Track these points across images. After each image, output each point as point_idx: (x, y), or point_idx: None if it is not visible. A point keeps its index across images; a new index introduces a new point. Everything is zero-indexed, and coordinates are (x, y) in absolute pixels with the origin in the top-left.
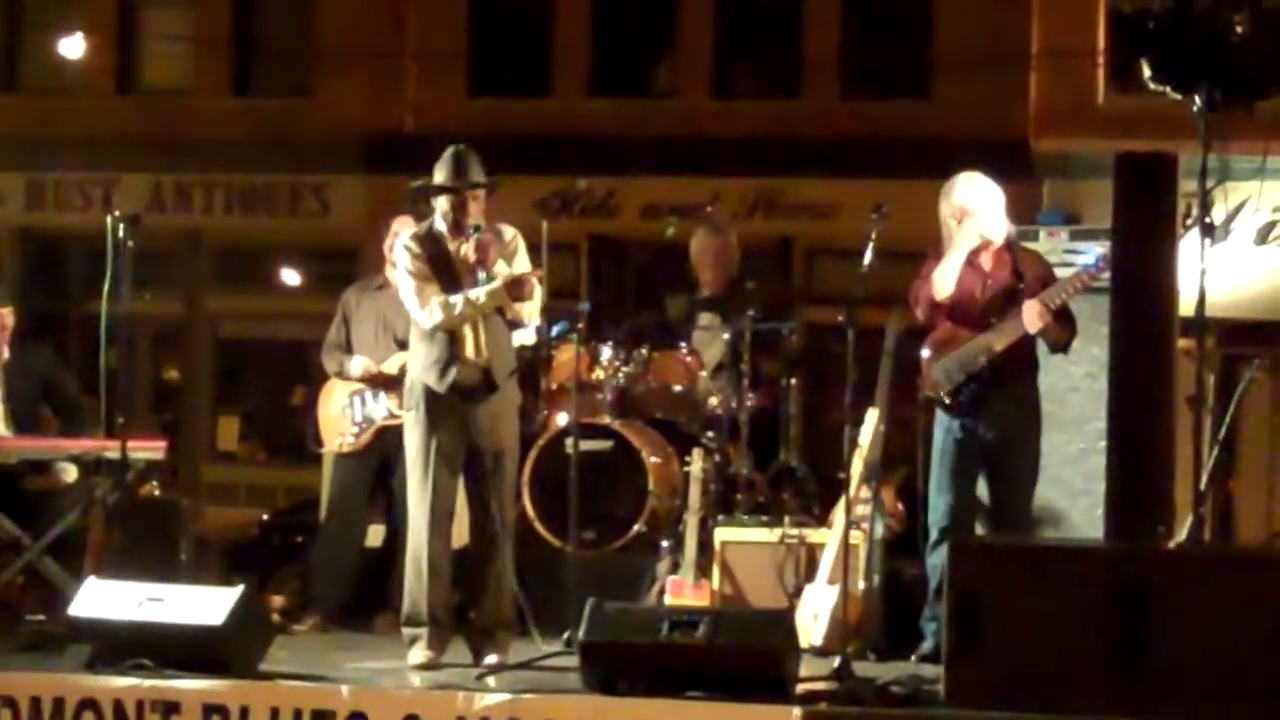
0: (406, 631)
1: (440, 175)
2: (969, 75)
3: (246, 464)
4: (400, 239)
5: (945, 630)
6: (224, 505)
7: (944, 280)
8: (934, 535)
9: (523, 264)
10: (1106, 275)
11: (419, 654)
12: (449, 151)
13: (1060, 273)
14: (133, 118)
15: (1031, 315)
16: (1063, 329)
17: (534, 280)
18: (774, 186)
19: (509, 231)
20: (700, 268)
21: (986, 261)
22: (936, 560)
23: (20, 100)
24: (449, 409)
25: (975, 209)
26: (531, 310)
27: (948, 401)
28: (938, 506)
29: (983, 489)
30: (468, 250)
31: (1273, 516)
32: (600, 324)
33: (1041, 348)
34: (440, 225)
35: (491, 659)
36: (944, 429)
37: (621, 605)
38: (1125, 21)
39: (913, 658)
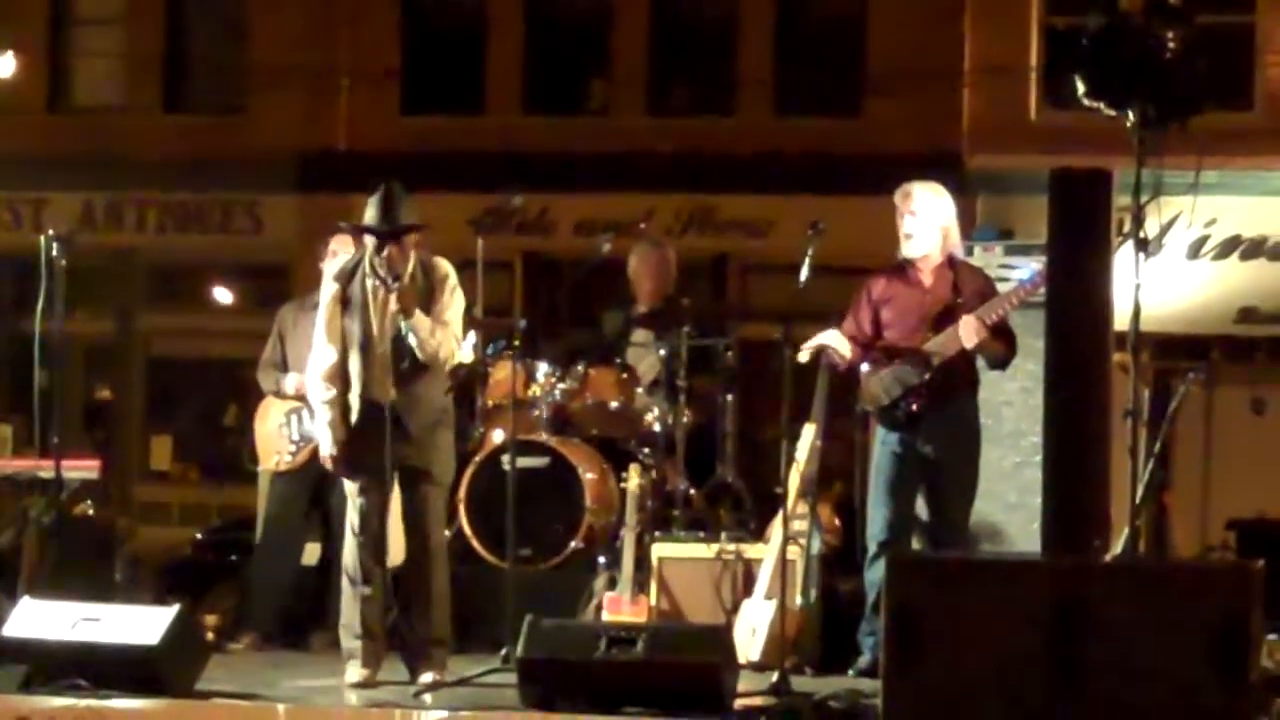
0: (343, 649)
1: (368, 215)
2: (902, 92)
3: (179, 483)
4: (327, 271)
5: (883, 644)
6: (157, 524)
7: (849, 351)
8: (872, 549)
9: (448, 304)
10: (1043, 290)
11: (355, 672)
12: (379, 191)
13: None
14: (64, 136)
15: (968, 330)
16: (1001, 345)
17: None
18: (708, 203)
19: (442, 267)
20: (638, 283)
21: (926, 277)
22: (875, 575)
23: None
24: (378, 428)
25: (911, 201)
26: (430, 348)
27: (885, 415)
28: (875, 521)
29: (922, 505)
30: (390, 299)
31: (1207, 530)
32: (536, 341)
33: (981, 364)
34: (369, 259)
35: (428, 676)
36: (882, 443)
37: (559, 622)
38: (1059, 38)
39: (850, 672)
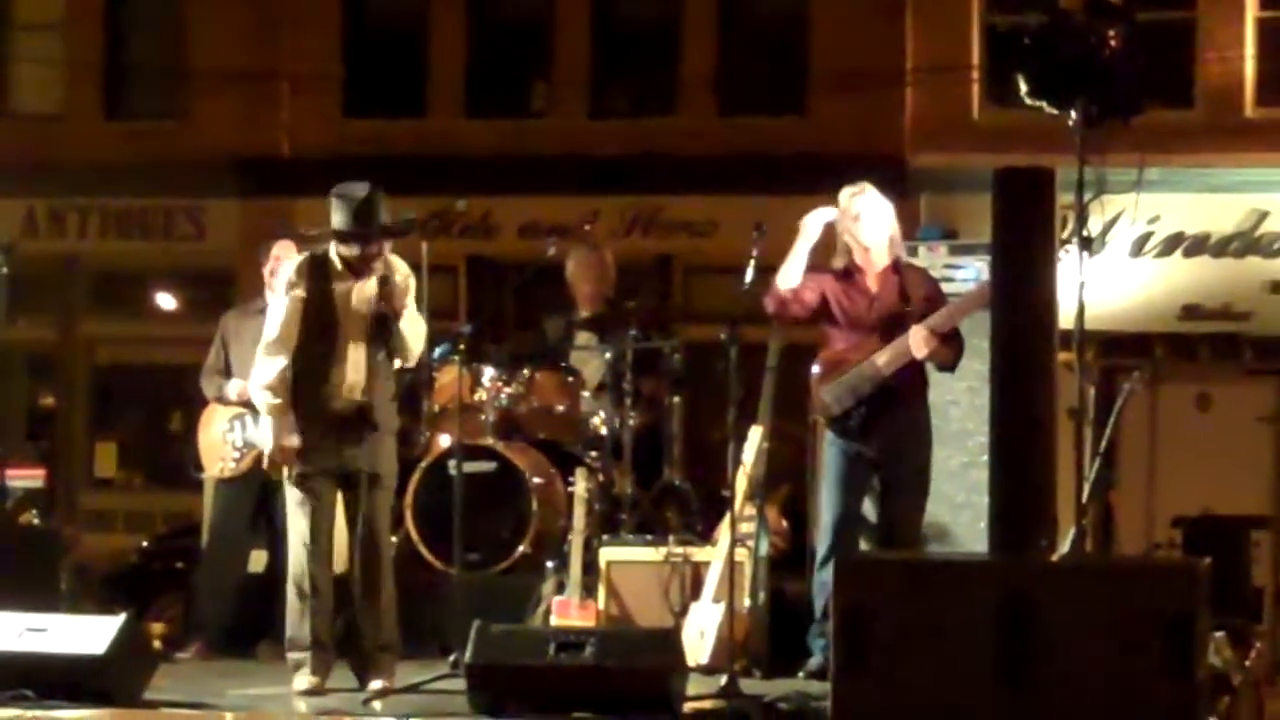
0: (290, 657)
1: (342, 218)
2: (845, 91)
3: (124, 490)
4: (285, 269)
5: (831, 646)
6: (102, 532)
7: (787, 271)
8: (821, 552)
9: (414, 302)
10: (961, 277)
11: (303, 680)
12: (358, 194)
13: (942, 288)
14: (4, 142)
15: (918, 341)
16: (950, 350)
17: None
18: (652, 204)
19: (403, 267)
20: (577, 287)
21: (873, 283)
22: (825, 577)
23: None
24: (332, 432)
25: (856, 217)
26: (414, 347)
27: (837, 424)
28: (824, 521)
29: (871, 509)
30: (372, 296)
31: (1152, 528)
32: (481, 345)
33: (929, 366)
34: (334, 258)
35: (377, 684)
36: (831, 444)
37: (508, 627)
38: (1000, 38)
39: (800, 674)
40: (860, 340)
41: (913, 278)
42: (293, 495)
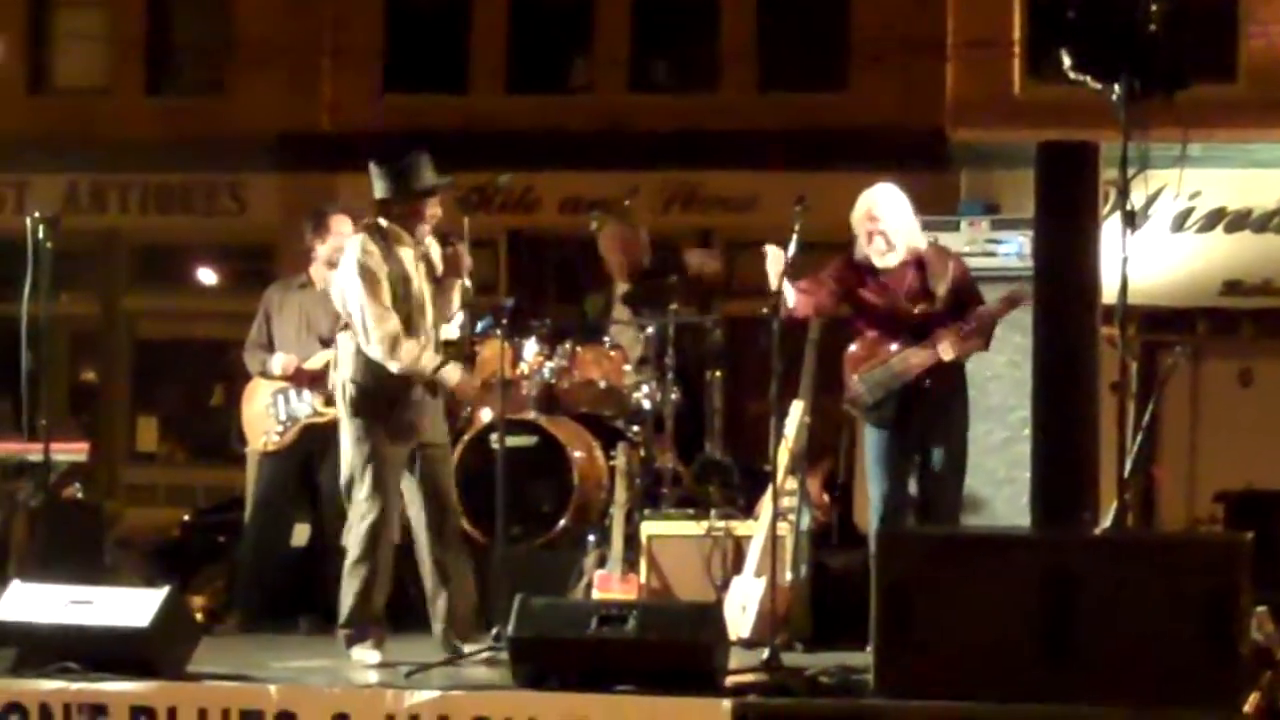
0: (352, 631)
1: (383, 186)
2: (886, 66)
3: (165, 464)
4: (353, 246)
5: (874, 620)
6: (143, 506)
7: (786, 298)
8: (874, 531)
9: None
10: (1003, 252)
11: (365, 652)
12: (413, 157)
13: (982, 261)
14: (46, 118)
15: (946, 346)
16: (979, 344)
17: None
18: (692, 179)
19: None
20: (610, 260)
21: (897, 280)
22: None
23: None
24: (395, 412)
25: (871, 215)
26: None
27: (871, 414)
28: (875, 501)
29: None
30: (436, 260)
31: (1194, 502)
32: (523, 320)
33: None
34: (389, 227)
35: (468, 647)
36: (870, 422)
37: (550, 600)
38: (1043, 12)
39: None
40: (888, 331)
41: (936, 268)
42: (365, 473)
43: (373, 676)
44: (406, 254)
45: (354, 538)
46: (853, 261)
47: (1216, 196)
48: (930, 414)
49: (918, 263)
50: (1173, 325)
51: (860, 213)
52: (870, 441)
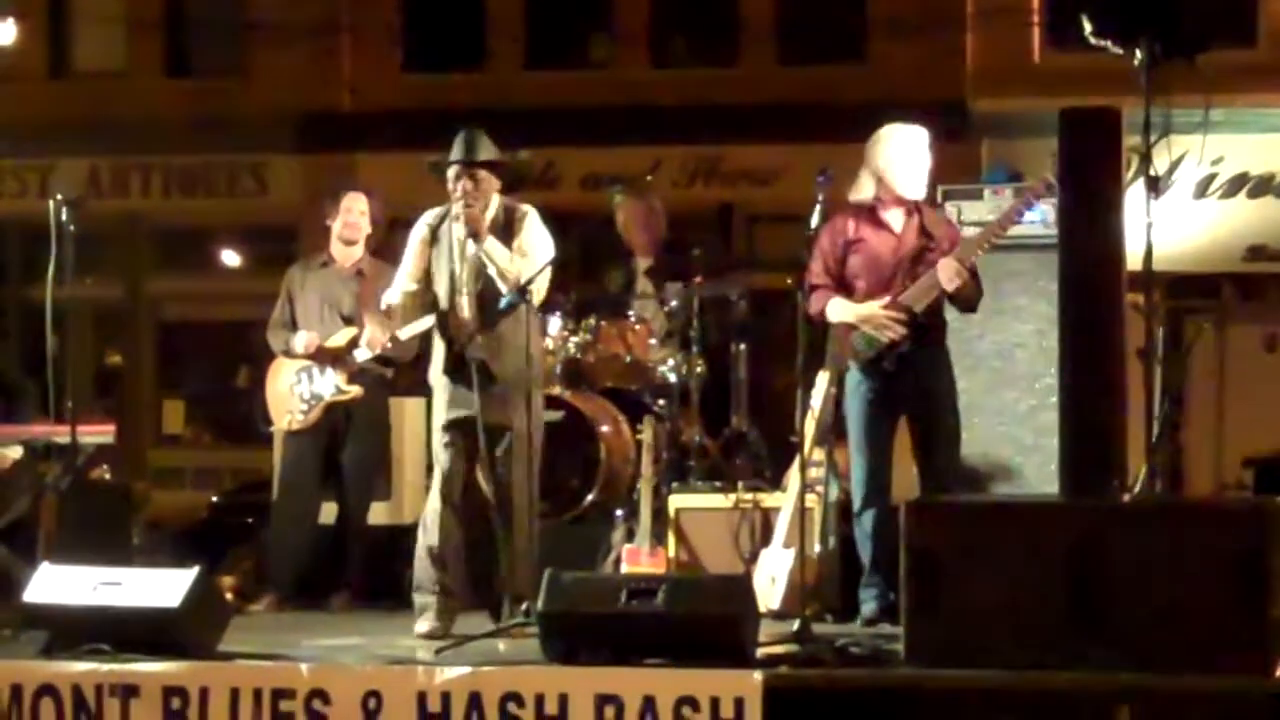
0: (416, 600)
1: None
2: (905, 37)
3: (192, 447)
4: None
5: (903, 589)
6: (170, 488)
7: (825, 305)
8: (857, 503)
9: (527, 238)
10: (1027, 219)
11: (426, 623)
12: (461, 133)
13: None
14: (67, 102)
15: (948, 273)
16: (975, 284)
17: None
18: (714, 153)
19: (523, 208)
20: (630, 236)
21: (897, 223)
22: (866, 526)
23: None
24: (465, 380)
25: (892, 145)
26: (511, 270)
27: (870, 367)
28: (856, 475)
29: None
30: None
31: (1221, 467)
32: (547, 295)
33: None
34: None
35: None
36: (854, 393)
37: (579, 575)
38: None
39: (858, 623)
40: (884, 280)
41: (930, 216)
42: (438, 439)
43: (401, 652)
44: (458, 229)
45: None
46: (836, 228)
47: (1239, 162)
48: (925, 364)
49: (916, 209)
50: (1198, 291)
51: (903, 148)
52: (855, 411)
